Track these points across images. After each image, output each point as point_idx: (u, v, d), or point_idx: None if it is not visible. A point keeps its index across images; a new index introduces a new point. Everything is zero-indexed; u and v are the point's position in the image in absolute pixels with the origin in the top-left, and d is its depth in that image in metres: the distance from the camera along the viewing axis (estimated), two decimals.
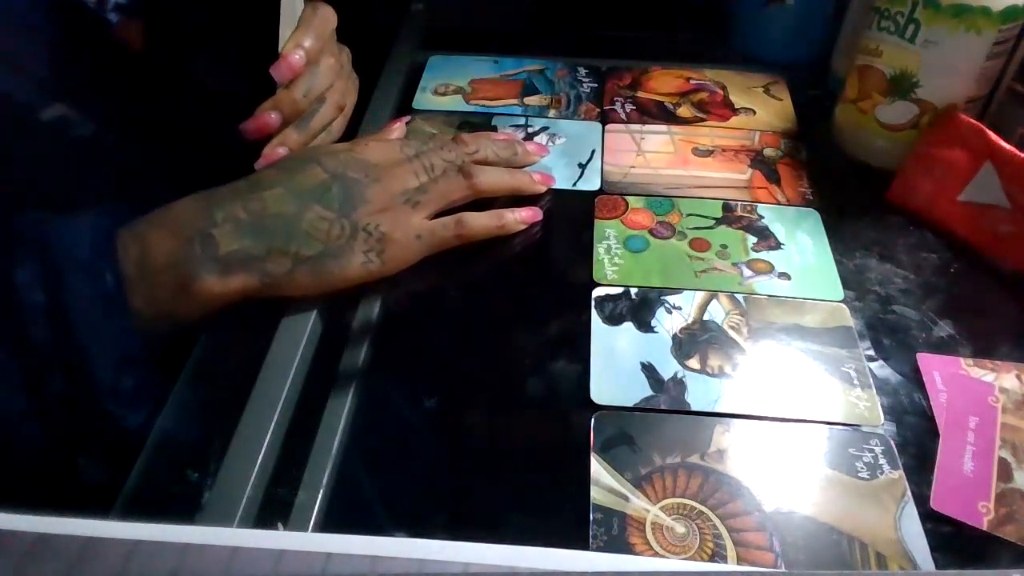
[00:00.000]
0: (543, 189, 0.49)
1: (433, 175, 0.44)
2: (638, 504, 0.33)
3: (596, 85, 0.60)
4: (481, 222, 0.45)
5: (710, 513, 0.33)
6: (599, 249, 0.46)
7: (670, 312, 0.42)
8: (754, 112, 0.57)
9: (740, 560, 0.32)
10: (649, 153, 0.54)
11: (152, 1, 0.47)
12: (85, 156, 0.44)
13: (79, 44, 0.44)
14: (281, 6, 0.45)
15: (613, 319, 0.42)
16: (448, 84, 0.60)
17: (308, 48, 0.46)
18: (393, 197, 0.42)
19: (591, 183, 0.51)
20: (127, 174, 0.46)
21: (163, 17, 0.47)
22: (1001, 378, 0.39)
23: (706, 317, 0.42)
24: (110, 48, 0.45)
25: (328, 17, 0.49)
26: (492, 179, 0.47)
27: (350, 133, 0.53)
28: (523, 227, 0.47)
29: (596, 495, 0.34)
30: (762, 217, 0.48)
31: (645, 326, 0.41)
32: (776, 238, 0.47)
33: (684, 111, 0.57)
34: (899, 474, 0.35)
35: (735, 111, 0.57)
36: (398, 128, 0.51)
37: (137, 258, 0.37)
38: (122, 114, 0.46)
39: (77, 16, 0.44)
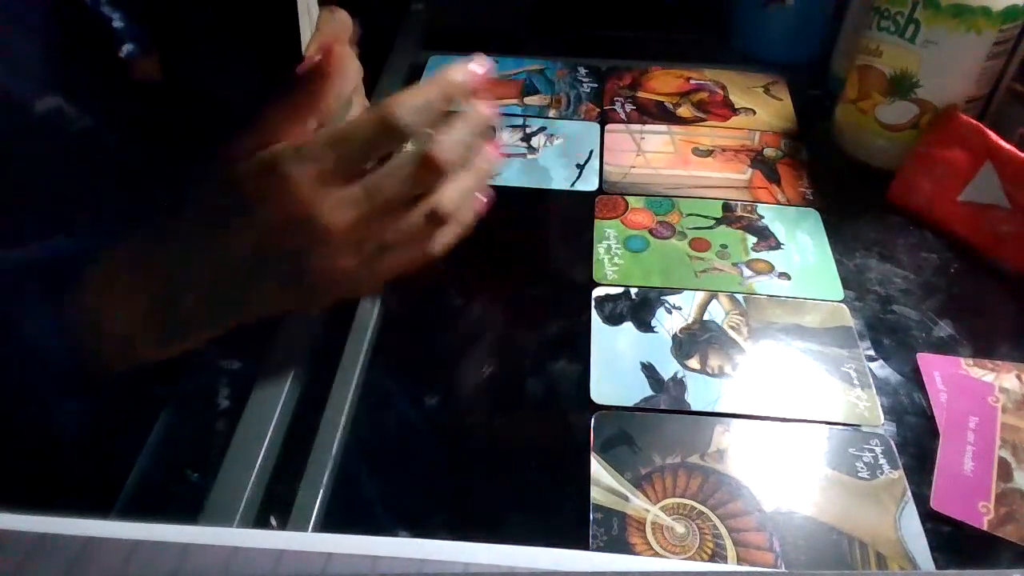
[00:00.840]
0: (499, 168, 0.43)
1: (397, 233, 0.37)
2: (638, 504, 0.33)
3: (596, 85, 0.60)
4: (449, 242, 0.40)
5: (710, 513, 0.33)
6: (599, 249, 0.46)
7: (670, 312, 0.42)
8: (754, 112, 0.57)
9: (740, 560, 0.32)
10: (649, 153, 0.54)
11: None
12: (82, 156, 0.44)
13: (74, 41, 0.43)
14: (298, 10, 0.44)
15: (613, 319, 0.42)
16: None
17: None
18: (350, 259, 0.36)
19: (589, 183, 0.51)
20: (127, 176, 0.46)
21: (172, 18, 0.47)
22: (1001, 378, 0.39)
23: (706, 317, 0.42)
24: (108, 46, 0.45)
25: (346, 21, 0.48)
26: (457, 206, 0.39)
27: None
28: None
29: (596, 495, 0.34)
30: (762, 217, 0.48)
31: (645, 326, 0.41)
32: (776, 238, 0.47)
33: (684, 111, 0.57)
34: (899, 474, 0.35)
35: (735, 111, 0.57)
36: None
37: (90, 325, 0.35)
38: (123, 115, 0.46)
39: (74, 13, 0.43)
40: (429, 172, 0.37)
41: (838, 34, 0.59)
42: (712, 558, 0.32)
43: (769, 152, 0.53)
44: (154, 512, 0.26)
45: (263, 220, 0.35)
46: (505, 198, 0.49)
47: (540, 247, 0.47)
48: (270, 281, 0.36)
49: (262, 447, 0.35)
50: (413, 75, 0.61)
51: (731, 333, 0.41)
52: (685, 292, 0.43)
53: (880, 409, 0.37)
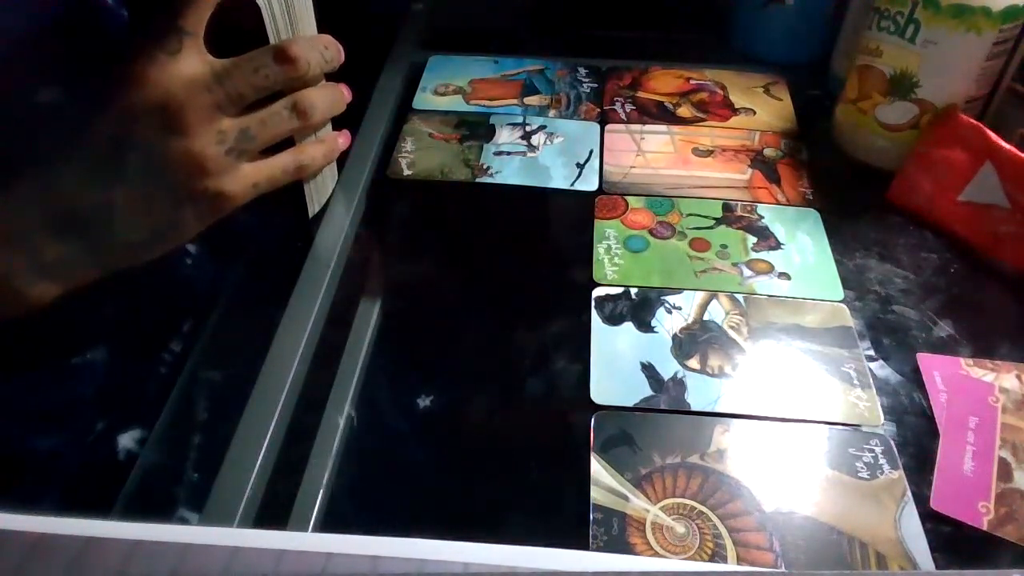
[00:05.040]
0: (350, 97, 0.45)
1: (256, 113, 0.38)
2: (638, 504, 0.33)
3: (596, 85, 0.60)
4: (319, 159, 0.42)
5: (710, 513, 0.33)
6: (599, 249, 0.46)
7: (670, 312, 0.42)
8: (754, 112, 0.57)
9: (740, 560, 0.32)
10: (649, 153, 0.54)
11: None
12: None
13: (73, 26, 0.43)
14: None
15: (613, 319, 0.42)
16: (448, 84, 0.60)
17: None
18: (209, 149, 0.36)
19: (589, 183, 0.51)
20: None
21: None
22: (1001, 378, 0.39)
23: (706, 317, 0.42)
24: (100, 31, 0.44)
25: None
26: (325, 110, 0.41)
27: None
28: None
29: (596, 495, 0.34)
30: (762, 217, 0.48)
31: (645, 326, 0.41)
32: (776, 238, 0.47)
33: (684, 111, 0.57)
34: (899, 474, 0.35)
35: (735, 111, 0.57)
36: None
37: None
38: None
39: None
40: (281, 61, 0.37)
41: (838, 34, 0.59)
42: (712, 558, 0.32)
43: (769, 152, 0.53)
44: (154, 512, 0.26)
45: (121, 108, 0.34)
46: (505, 196, 0.49)
47: (540, 247, 0.47)
48: (131, 179, 0.35)
49: (262, 447, 0.35)
50: (413, 75, 0.61)
51: (731, 333, 0.41)
52: (685, 292, 0.43)
53: (880, 409, 0.37)
